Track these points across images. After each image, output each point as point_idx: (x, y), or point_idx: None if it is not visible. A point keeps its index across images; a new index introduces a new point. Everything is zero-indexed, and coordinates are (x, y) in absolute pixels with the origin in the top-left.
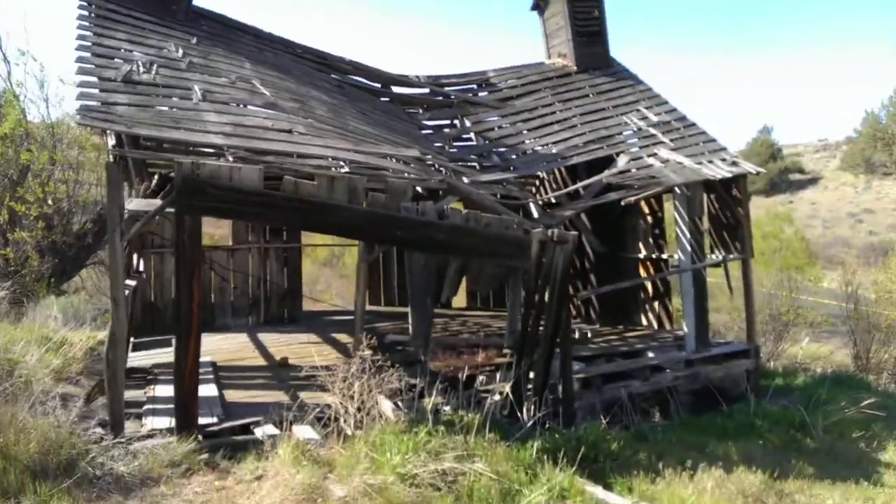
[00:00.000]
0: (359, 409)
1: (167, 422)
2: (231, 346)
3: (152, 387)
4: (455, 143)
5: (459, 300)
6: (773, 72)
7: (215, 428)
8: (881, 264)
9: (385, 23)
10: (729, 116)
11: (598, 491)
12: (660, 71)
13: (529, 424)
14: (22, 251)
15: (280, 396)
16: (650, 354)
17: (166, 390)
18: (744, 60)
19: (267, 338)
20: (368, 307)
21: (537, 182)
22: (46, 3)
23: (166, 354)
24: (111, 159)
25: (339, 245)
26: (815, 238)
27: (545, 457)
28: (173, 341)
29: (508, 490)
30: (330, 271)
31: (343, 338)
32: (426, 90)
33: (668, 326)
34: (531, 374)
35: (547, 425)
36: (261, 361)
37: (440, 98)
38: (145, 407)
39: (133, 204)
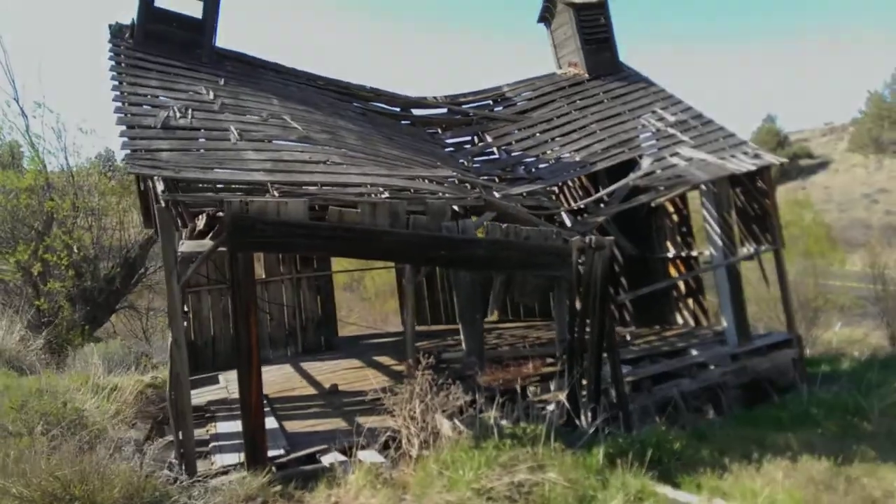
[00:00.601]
0: (421, 430)
1: (236, 457)
2: (277, 378)
3: (213, 424)
4: (477, 159)
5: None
6: (769, 59)
7: (283, 459)
8: None
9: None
10: (730, 107)
11: (668, 491)
12: (657, 64)
13: (591, 431)
14: (55, 301)
15: (338, 423)
16: (694, 352)
17: (228, 426)
18: (739, 50)
19: (310, 366)
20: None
21: (557, 190)
22: (60, 52)
23: (216, 391)
24: (162, 205)
25: (359, 270)
26: (832, 221)
27: (613, 461)
28: (220, 377)
29: (583, 497)
30: (350, 295)
31: (385, 360)
32: (444, 110)
33: (704, 323)
34: (583, 381)
35: (607, 430)
36: (310, 390)
37: (458, 116)
38: (211, 444)
39: (185, 246)
